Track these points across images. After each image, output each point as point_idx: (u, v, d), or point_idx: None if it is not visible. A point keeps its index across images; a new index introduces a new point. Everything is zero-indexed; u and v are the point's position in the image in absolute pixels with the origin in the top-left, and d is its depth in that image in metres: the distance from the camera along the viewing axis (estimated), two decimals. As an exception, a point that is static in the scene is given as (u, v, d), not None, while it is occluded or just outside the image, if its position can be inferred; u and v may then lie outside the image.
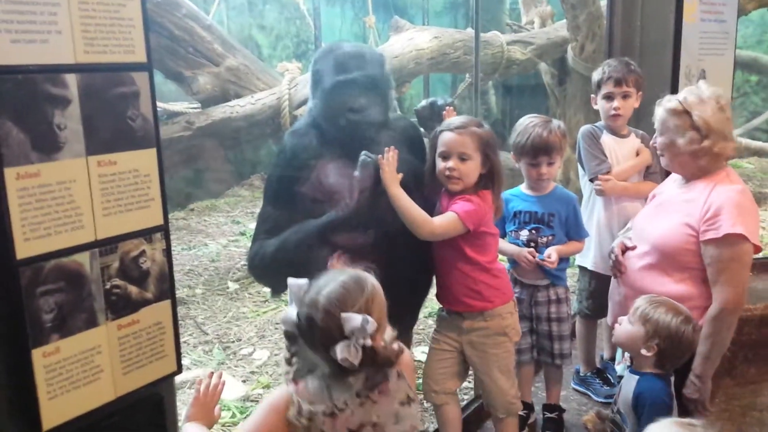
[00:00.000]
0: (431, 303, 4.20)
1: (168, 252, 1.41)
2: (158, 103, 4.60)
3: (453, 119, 2.27)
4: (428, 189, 2.30)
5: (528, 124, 2.57)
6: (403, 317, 2.35)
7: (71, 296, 1.26)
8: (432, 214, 2.22)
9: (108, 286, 1.32)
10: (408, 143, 2.39)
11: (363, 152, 2.10)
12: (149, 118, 1.34)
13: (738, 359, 2.65)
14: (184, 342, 3.94)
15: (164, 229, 1.40)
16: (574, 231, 2.61)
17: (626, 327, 2.17)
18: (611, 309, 2.57)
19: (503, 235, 2.70)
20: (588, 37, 5.27)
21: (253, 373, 3.28)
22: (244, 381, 3.20)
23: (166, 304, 1.43)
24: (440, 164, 2.19)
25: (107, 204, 1.29)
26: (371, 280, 1.46)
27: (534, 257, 2.50)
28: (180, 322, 4.24)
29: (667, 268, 2.31)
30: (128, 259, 1.34)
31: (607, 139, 2.93)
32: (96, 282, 1.30)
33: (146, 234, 1.37)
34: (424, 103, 2.53)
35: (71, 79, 1.22)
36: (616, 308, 2.51)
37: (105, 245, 1.30)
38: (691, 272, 2.27)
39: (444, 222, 2.16)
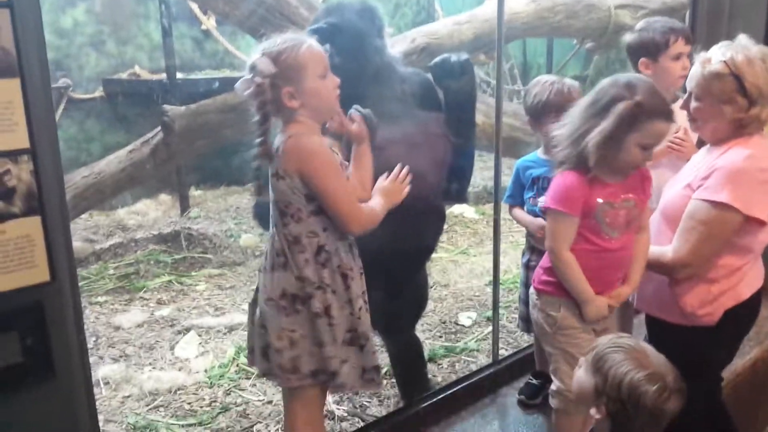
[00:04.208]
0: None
1: (36, 173, 1.58)
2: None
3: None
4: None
5: (544, 82, 2.51)
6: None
7: (-68, 202, 1.48)
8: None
9: (-31, 198, 1.52)
10: (421, 96, 2.38)
11: (354, 107, 2.02)
12: (11, 51, 1.51)
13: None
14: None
15: (31, 152, 1.57)
16: None
17: (580, 373, 1.69)
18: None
19: (521, 203, 2.63)
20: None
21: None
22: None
23: (36, 219, 1.60)
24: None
25: (-35, 124, 1.49)
26: None
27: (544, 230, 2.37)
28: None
29: (667, 232, 2.16)
30: (-9, 176, 1.53)
31: None
32: (-43, 192, 1.50)
33: (11, 155, 1.55)
34: (437, 59, 2.49)
35: None
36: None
37: (-36, 161, 1.49)
38: None
39: None
